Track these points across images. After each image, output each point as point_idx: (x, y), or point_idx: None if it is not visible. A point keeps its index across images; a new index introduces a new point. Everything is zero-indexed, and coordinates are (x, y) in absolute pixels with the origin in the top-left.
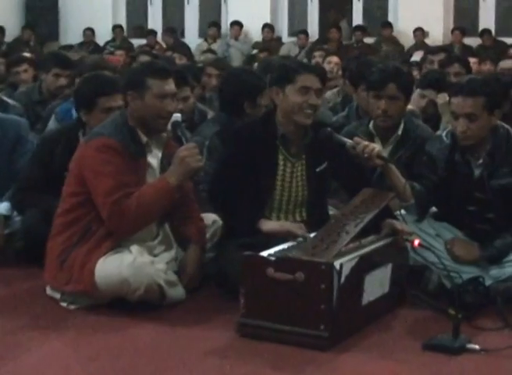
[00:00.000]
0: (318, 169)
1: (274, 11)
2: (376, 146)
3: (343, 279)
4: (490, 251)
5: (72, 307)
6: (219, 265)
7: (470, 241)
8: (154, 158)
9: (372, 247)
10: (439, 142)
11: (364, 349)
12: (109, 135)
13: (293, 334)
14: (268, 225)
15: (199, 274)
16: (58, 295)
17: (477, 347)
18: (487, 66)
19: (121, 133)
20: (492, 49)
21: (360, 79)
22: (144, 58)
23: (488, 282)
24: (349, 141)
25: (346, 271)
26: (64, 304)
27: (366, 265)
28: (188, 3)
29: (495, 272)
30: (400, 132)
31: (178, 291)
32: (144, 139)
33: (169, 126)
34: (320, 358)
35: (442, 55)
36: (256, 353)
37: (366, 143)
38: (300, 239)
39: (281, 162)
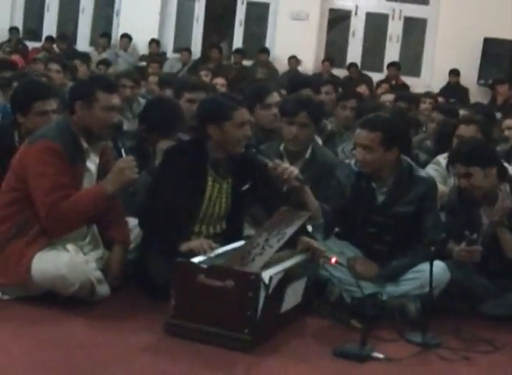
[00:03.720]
0: (243, 188)
1: (161, 27)
2: (295, 169)
3: (270, 290)
4: (388, 270)
5: (5, 297)
6: (144, 269)
7: (369, 260)
8: (92, 164)
9: (293, 261)
10: (347, 169)
11: (279, 354)
12: (53, 138)
13: (219, 336)
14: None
15: (122, 273)
16: None
17: (381, 355)
18: (362, 89)
19: (64, 138)
20: (357, 81)
21: (255, 100)
22: (53, 66)
23: (384, 297)
24: (271, 162)
25: (274, 283)
26: None
27: (289, 277)
28: (82, 12)
29: (391, 289)
30: (307, 156)
31: (104, 288)
32: (85, 145)
33: None
34: (242, 359)
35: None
36: (186, 351)
37: (286, 166)
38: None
39: (210, 183)
